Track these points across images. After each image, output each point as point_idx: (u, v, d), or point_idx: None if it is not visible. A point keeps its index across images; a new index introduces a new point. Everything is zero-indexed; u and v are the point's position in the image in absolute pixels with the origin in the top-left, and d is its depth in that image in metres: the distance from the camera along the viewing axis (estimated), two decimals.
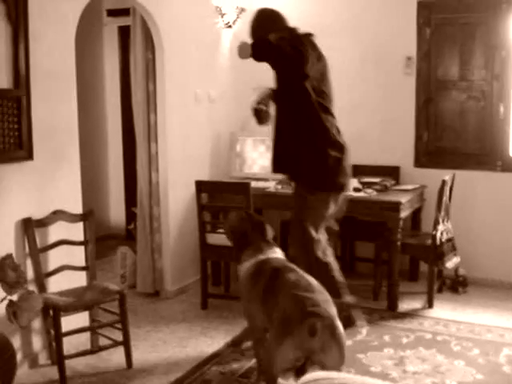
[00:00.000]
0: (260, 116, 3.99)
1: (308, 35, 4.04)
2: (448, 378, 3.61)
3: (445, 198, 4.76)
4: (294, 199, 4.16)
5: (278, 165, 4.15)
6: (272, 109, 4.08)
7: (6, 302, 2.99)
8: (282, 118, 4.09)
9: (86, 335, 4.07)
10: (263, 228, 3.61)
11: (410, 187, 5.23)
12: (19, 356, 3.58)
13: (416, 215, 5.40)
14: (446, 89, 5.46)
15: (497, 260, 5.35)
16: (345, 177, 4.08)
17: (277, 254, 3.52)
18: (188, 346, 4.15)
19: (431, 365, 3.79)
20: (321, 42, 5.78)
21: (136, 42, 5.02)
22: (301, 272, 3.25)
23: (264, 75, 6.05)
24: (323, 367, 2.84)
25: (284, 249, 5.47)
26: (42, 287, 3.73)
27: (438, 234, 4.73)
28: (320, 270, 3.93)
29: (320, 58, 4.02)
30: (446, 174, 4.88)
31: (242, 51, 4.01)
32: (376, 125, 5.72)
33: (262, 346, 3.36)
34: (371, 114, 5.73)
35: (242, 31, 5.84)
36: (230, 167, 5.75)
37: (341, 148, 4.04)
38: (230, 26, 5.61)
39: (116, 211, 7.11)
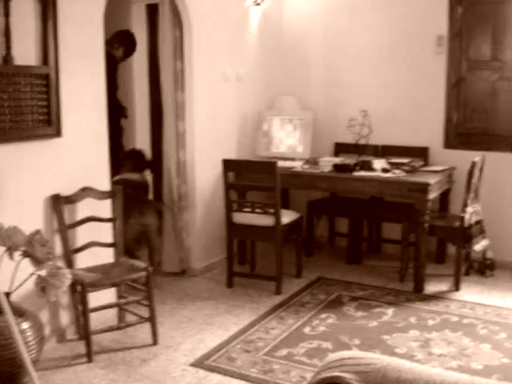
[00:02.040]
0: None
1: None
2: (474, 362, 3.58)
3: (474, 180, 4.70)
4: None
5: None
6: None
7: (34, 277, 3.02)
8: None
9: (113, 311, 4.12)
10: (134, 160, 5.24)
11: (438, 168, 5.18)
12: (47, 330, 3.63)
13: (444, 197, 5.34)
14: (478, 69, 5.37)
15: None
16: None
17: (132, 176, 5.06)
18: (213, 323, 4.17)
19: (457, 348, 3.77)
20: (351, 20, 5.78)
21: (164, 19, 4.99)
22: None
23: (292, 54, 6.04)
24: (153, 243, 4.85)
25: (311, 228, 5.53)
26: (69, 263, 3.77)
27: (467, 216, 4.67)
28: None
29: None
30: (476, 156, 4.80)
31: None
32: (405, 105, 5.65)
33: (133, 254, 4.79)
34: (401, 93, 5.65)
35: (271, 9, 5.82)
36: (256, 146, 5.73)
37: None
38: (258, 4, 5.58)
39: None
